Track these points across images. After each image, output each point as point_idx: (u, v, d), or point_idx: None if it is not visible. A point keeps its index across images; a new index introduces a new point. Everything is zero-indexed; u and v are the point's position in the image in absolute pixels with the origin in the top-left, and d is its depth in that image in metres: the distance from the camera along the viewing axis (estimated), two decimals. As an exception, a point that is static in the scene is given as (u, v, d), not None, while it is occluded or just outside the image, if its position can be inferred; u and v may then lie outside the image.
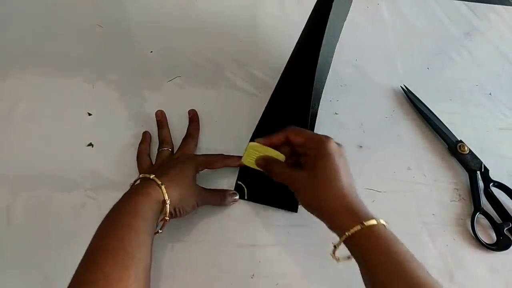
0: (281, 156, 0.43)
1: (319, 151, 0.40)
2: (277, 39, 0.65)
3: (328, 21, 0.40)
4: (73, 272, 0.33)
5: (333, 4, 0.39)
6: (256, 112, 0.55)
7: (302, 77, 0.47)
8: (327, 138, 0.41)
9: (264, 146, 0.43)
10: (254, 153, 0.44)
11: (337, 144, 0.42)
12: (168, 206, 0.40)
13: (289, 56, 0.51)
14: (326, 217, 0.39)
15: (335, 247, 0.38)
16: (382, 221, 0.37)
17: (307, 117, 0.49)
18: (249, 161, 0.45)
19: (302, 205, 0.41)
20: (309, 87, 0.46)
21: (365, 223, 0.36)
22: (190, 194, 0.43)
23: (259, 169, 0.44)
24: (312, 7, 0.45)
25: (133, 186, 0.42)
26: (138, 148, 0.51)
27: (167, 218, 0.40)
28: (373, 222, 0.36)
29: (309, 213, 0.42)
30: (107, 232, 0.36)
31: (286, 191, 0.46)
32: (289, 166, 0.43)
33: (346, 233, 0.36)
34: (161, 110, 0.55)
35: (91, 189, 0.49)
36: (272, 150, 0.43)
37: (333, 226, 0.38)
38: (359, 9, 0.71)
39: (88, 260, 0.34)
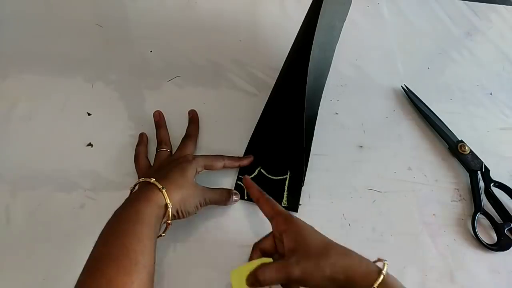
0: (266, 260, 0.38)
1: (285, 222, 0.39)
2: (277, 38, 0.65)
3: (318, 25, 0.39)
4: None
5: (323, 8, 0.39)
6: (256, 112, 0.55)
7: (296, 80, 0.46)
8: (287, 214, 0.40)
9: (243, 266, 0.38)
10: (240, 278, 0.37)
11: None
12: (170, 209, 0.40)
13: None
14: (341, 275, 0.35)
15: None
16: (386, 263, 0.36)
17: (302, 119, 0.49)
18: None
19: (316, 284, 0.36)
20: (301, 91, 0.45)
21: (383, 271, 0.34)
22: (191, 195, 0.43)
23: None
24: (312, 6, 0.44)
25: (135, 191, 0.42)
26: (136, 149, 0.51)
27: (169, 221, 0.40)
28: (386, 268, 0.35)
29: (308, 213, 0.42)
30: (110, 239, 0.36)
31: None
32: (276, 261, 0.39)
33: (374, 286, 0.34)
34: (158, 111, 0.54)
35: (90, 190, 0.48)
36: (253, 262, 0.39)
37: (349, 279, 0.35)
38: (359, 8, 0.70)
39: (91, 266, 0.34)
